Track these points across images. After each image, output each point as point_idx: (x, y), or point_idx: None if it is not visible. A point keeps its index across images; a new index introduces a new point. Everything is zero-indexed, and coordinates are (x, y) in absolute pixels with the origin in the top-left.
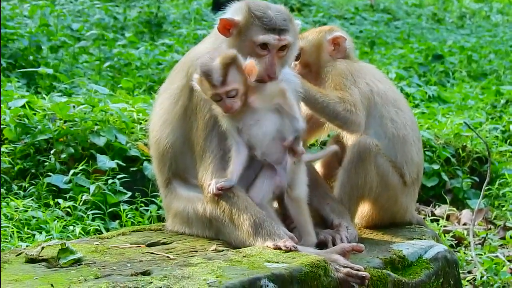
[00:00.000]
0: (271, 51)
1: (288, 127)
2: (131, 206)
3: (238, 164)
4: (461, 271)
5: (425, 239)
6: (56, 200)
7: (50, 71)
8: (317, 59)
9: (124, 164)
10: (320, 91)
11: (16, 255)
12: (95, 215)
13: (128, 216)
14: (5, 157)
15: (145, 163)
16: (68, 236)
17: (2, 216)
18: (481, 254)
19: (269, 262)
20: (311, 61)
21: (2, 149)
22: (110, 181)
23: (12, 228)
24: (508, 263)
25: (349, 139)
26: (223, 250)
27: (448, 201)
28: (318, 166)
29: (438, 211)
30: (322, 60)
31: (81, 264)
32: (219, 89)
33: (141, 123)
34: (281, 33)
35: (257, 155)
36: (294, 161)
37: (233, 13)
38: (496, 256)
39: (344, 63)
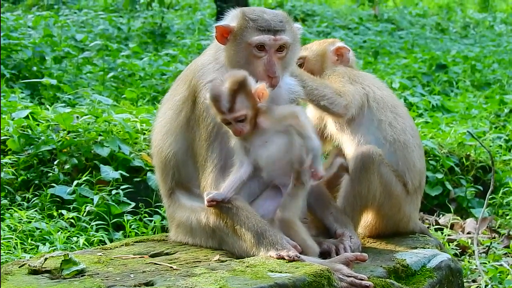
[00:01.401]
0: (269, 52)
1: (297, 150)
2: (135, 217)
3: (234, 180)
4: (465, 280)
5: (428, 247)
6: (59, 211)
7: (54, 81)
8: (320, 68)
9: (128, 175)
10: (311, 76)
11: (19, 267)
12: (99, 226)
13: (132, 226)
14: (9, 168)
15: (149, 174)
16: (72, 247)
17: (5, 227)
18: (486, 263)
19: (272, 272)
20: (315, 70)
21: (6, 160)
22: (113, 192)
23: (15, 239)
24: None
25: (348, 148)
26: (226, 260)
27: (452, 210)
28: None
29: (442, 220)
30: (325, 69)
31: (84, 275)
32: (227, 115)
33: (144, 134)
34: (277, 33)
35: (263, 176)
36: (296, 184)
37: (229, 20)
38: (501, 265)
39: (344, 68)
